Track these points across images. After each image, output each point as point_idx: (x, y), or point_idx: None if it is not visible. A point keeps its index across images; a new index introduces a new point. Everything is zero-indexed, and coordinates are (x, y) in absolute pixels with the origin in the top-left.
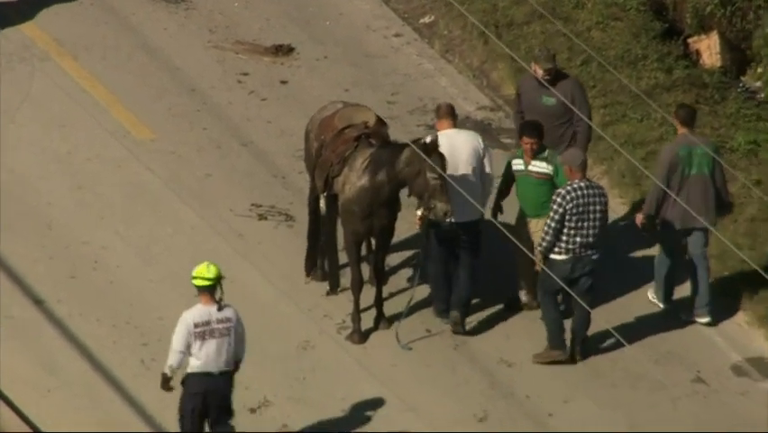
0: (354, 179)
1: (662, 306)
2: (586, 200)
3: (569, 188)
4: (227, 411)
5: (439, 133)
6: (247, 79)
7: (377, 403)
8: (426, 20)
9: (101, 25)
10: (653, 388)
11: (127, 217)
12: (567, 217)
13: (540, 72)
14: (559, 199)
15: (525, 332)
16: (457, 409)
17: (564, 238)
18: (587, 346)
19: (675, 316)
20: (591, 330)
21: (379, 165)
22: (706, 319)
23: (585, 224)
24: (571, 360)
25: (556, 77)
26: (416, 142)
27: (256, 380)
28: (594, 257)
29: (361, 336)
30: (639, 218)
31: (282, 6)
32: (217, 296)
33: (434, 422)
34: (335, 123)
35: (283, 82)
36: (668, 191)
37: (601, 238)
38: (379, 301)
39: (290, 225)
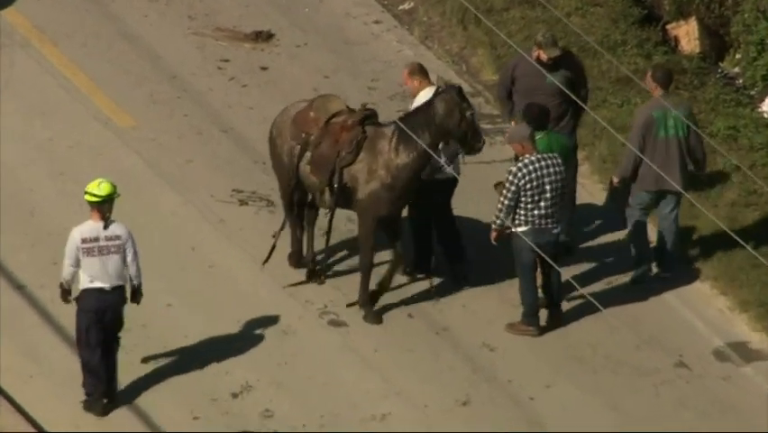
0: (388, 161)
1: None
2: (540, 173)
3: (520, 164)
4: (119, 325)
5: (425, 91)
6: (227, 66)
7: (359, 388)
8: (406, 6)
9: (81, 12)
10: (636, 373)
11: None
12: (522, 193)
13: (544, 58)
14: (510, 177)
15: (508, 317)
16: (440, 394)
17: (523, 212)
18: (558, 315)
19: (655, 290)
20: (574, 313)
21: (413, 134)
22: (667, 274)
23: (542, 196)
24: (544, 331)
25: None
26: (438, 91)
27: (238, 364)
28: (555, 230)
29: (376, 317)
30: (614, 181)
31: None
32: (107, 213)
33: (416, 406)
34: (314, 115)
35: (263, 68)
36: (640, 154)
37: (562, 208)
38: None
39: (271, 210)
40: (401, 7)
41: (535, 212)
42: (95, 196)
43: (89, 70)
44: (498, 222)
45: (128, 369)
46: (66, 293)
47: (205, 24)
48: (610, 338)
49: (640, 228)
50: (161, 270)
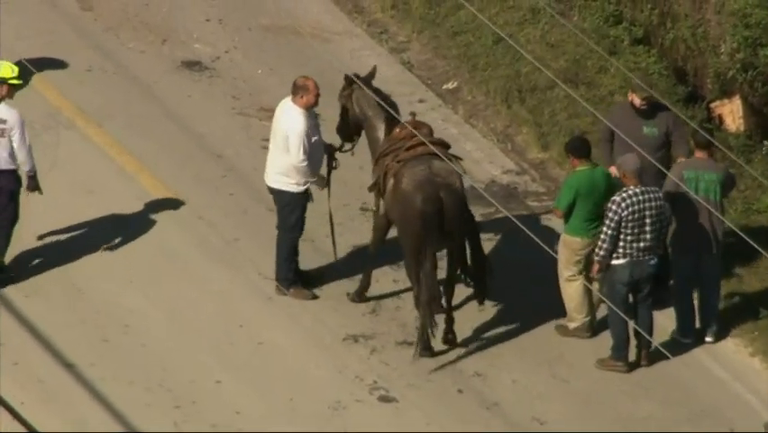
0: None
1: (685, 340)
2: (642, 206)
3: (624, 195)
4: (14, 209)
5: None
6: None
7: None
8: (450, 86)
9: (125, 93)
10: None
11: (157, 282)
12: (623, 224)
13: (638, 101)
14: (614, 207)
15: (557, 390)
16: None
17: (622, 244)
18: (652, 353)
19: (705, 364)
20: (624, 386)
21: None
22: (710, 339)
23: (643, 229)
24: (633, 367)
25: (655, 107)
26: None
27: None
28: (652, 262)
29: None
30: None
31: (305, 73)
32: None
33: None
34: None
35: None
36: None
37: (660, 243)
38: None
39: (320, 289)
40: (445, 86)
41: (635, 244)
42: None
43: (134, 150)
44: (602, 253)
45: None
46: None
47: (250, 104)
48: (662, 411)
49: (683, 296)
50: (211, 346)
